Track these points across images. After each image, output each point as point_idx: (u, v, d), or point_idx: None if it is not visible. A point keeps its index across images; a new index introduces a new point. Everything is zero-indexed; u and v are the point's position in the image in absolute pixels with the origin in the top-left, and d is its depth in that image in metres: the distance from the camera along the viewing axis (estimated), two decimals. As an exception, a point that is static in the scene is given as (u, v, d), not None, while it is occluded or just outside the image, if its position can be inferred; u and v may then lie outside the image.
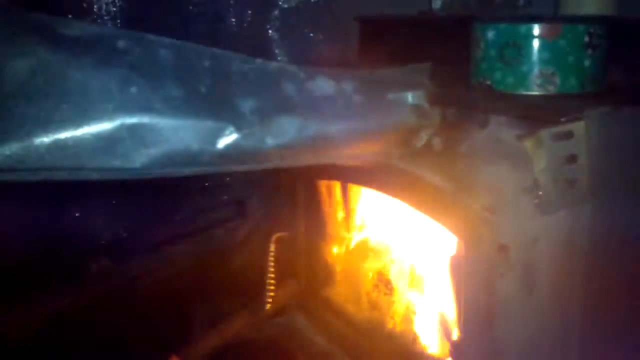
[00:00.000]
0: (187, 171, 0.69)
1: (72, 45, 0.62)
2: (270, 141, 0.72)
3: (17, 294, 1.10)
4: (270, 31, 1.25)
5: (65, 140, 0.58)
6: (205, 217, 1.33)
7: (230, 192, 1.34)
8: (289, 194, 1.28)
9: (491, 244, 0.76)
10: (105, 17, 1.11)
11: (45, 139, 0.57)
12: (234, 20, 1.19)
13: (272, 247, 1.30)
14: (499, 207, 0.76)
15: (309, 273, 1.36)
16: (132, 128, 0.62)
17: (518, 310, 0.78)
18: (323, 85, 0.79)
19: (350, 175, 1.09)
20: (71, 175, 0.61)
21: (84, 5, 1.09)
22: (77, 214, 1.15)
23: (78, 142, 0.59)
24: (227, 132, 0.67)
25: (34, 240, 1.12)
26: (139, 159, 0.63)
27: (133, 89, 0.63)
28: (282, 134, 0.73)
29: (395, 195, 0.99)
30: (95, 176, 0.62)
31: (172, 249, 1.28)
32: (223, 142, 0.68)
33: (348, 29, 1.36)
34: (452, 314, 1.03)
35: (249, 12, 1.23)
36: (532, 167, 0.74)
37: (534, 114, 0.78)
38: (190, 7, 1.20)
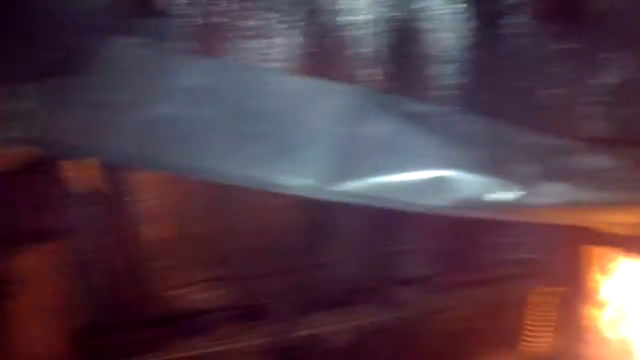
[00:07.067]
0: (476, 215, 0.91)
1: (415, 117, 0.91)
2: (545, 200, 0.91)
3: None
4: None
5: (401, 182, 0.87)
6: (498, 270, 1.43)
7: (519, 251, 1.46)
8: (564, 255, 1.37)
9: None
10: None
11: (388, 180, 0.86)
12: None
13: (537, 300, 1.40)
14: None
15: (564, 331, 1.43)
16: (443, 178, 0.87)
17: None
18: (598, 159, 0.95)
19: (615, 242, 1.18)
20: (404, 207, 0.89)
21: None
22: (399, 246, 1.36)
23: (408, 184, 0.87)
24: (514, 188, 0.88)
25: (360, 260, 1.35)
26: (445, 201, 0.87)
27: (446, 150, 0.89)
28: (556, 196, 0.90)
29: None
30: (417, 209, 0.89)
31: (468, 292, 1.41)
32: (507, 196, 0.89)
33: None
34: None
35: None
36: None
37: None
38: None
